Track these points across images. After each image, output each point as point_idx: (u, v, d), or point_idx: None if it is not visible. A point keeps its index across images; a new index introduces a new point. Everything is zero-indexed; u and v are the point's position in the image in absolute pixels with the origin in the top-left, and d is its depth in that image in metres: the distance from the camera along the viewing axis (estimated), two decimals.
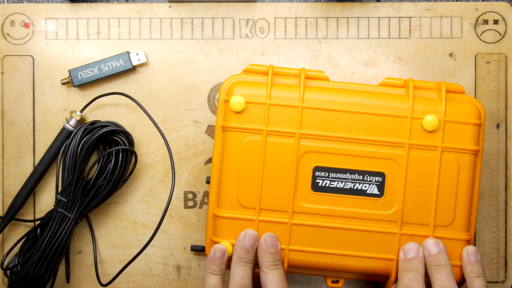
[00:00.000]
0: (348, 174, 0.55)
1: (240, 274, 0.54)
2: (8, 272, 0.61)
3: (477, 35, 0.64)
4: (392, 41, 0.65)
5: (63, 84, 0.64)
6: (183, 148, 0.64)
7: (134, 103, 0.63)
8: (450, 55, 0.64)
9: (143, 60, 0.63)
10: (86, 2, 0.64)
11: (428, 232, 0.56)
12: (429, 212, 0.56)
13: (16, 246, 0.61)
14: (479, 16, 0.64)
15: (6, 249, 0.63)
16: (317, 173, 0.55)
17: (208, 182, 0.58)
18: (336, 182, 0.56)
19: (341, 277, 0.58)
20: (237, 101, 0.55)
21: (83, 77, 0.63)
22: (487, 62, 0.64)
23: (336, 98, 0.56)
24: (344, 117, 0.56)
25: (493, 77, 0.64)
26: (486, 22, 0.64)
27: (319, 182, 0.56)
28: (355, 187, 0.56)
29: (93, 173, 0.60)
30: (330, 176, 0.55)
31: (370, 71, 0.64)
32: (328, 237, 0.56)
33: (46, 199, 0.64)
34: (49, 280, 0.60)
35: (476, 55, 0.64)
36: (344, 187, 0.56)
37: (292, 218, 0.56)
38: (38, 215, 0.64)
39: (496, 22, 0.64)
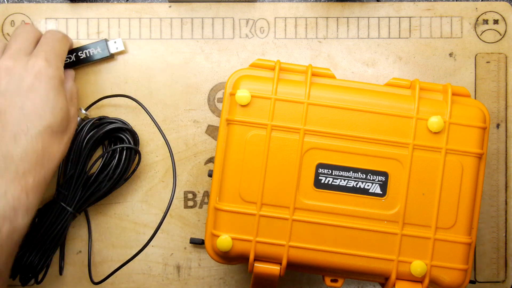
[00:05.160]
0: (351, 172, 0.55)
1: None
2: None
3: (477, 35, 0.65)
4: (392, 41, 0.65)
5: None
6: (183, 148, 0.64)
7: (134, 102, 0.63)
8: (450, 55, 0.64)
9: (121, 48, 0.63)
10: (86, 2, 0.64)
11: (430, 234, 0.55)
12: (431, 214, 0.55)
13: None
14: (479, 16, 0.64)
15: None
16: (320, 170, 0.55)
17: (210, 175, 0.58)
18: (339, 180, 0.55)
19: (340, 277, 0.58)
20: (243, 94, 0.55)
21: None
22: (487, 62, 0.64)
23: (342, 96, 0.56)
24: (350, 115, 0.55)
25: (493, 77, 0.64)
26: (486, 22, 0.64)
27: (322, 179, 0.55)
28: (357, 186, 0.55)
29: (96, 168, 0.60)
30: (333, 174, 0.55)
31: (370, 71, 0.64)
32: (329, 235, 0.55)
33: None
34: (42, 269, 0.59)
35: (476, 55, 0.64)
36: (347, 185, 0.55)
37: (294, 214, 0.55)
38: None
39: (496, 22, 0.64)
